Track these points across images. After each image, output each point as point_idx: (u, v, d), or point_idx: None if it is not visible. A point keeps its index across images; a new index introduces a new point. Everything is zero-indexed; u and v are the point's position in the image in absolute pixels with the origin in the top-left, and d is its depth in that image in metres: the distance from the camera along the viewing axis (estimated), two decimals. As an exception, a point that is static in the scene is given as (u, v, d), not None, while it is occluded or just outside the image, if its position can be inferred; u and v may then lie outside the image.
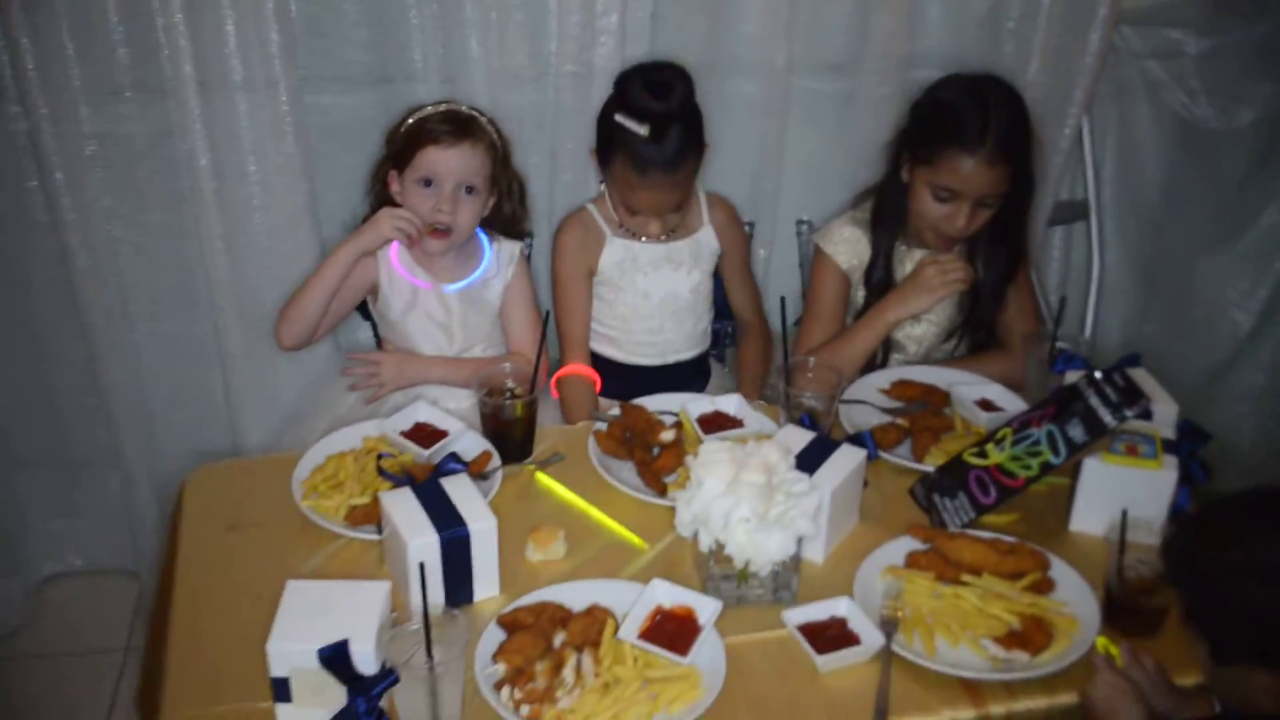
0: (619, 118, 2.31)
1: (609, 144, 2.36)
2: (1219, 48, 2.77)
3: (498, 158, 2.31)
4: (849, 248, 2.44)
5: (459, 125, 2.26)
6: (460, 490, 1.82)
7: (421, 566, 1.54)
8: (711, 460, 1.76)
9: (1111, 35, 2.61)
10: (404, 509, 1.77)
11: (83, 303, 2.48)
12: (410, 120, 2.30)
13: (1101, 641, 1.71)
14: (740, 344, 2.68)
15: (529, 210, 2.45)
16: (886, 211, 2.40)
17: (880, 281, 2.42)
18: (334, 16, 2.41)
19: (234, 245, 2.48)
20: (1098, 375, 1.95)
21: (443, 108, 2.30)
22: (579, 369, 2.44)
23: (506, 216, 2.40)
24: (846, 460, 1.91)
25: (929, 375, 2.35)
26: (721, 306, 2.66)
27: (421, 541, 1.71)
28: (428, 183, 2.25)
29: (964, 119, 2.23)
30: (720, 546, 1.75)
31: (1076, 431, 1.91)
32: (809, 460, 1.87)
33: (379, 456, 2.02)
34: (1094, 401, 1.92)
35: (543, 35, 2.44)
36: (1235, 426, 2.93)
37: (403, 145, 2.28)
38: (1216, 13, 2.72)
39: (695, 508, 1.75)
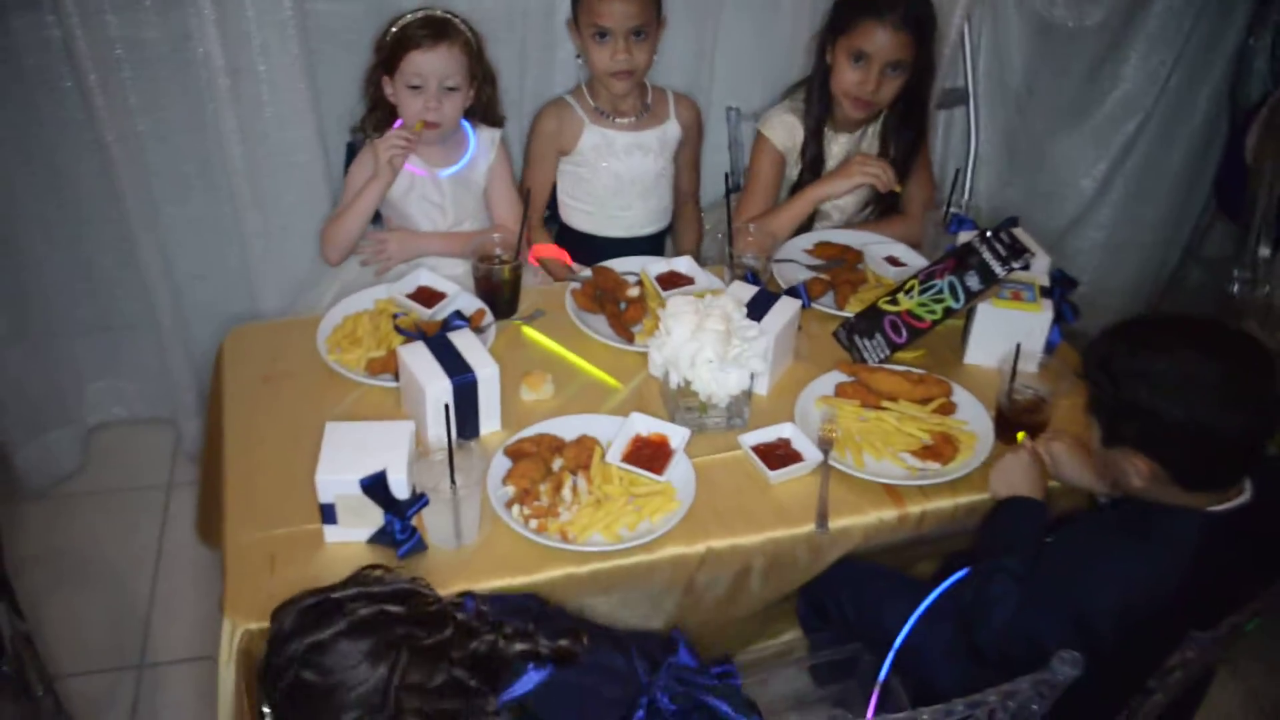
0: None
1: None
2: (1076, -44, 2.72)
3: (473, 53, 2.21)
4: (785, 131, 2.39)
5: (436, 28, 2.16)
6: (465, 342, 1.78)
7: (447, 408, 1.52)
8: (678, 312, 1.75)
9: (990, -54, 2.55)
10: (419, 359, 1.73)
11: (117, 189, 2.35)
12: (394, 29, 2.18)
13: (1021, 436, 1.75)
14: (677, 215, 2.62)
15: (499, 97, 2.37)
16: (814, 97, 2.36)
17: (813, 157, 2.39)
18: (330, -73, 2.27)
19: (247, 135, 2.35)
20: (989, 234, 1.96)
21: (420, 14, 2.19)
22: (552, 249, 2.38)
23: (485, 103, 2.31)
24: (785, 309, 1.90)
25: (844, 237, 2.34)
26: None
27: (437, 386, 1.68)
28: (415, 86, 2.16)
29: None
30: (687, 383, 1.75)
31: (973, 281, 1.92)
32: (755, 310, 1.87)
33: (394, 316, 1.97)
34: (986, 256, 1.93)
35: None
36: (1079, 276, 2.99)
37: (390, 52, 2.17)
38: (1075, -76, 2.67)
39: (666, 352, 1.75)
